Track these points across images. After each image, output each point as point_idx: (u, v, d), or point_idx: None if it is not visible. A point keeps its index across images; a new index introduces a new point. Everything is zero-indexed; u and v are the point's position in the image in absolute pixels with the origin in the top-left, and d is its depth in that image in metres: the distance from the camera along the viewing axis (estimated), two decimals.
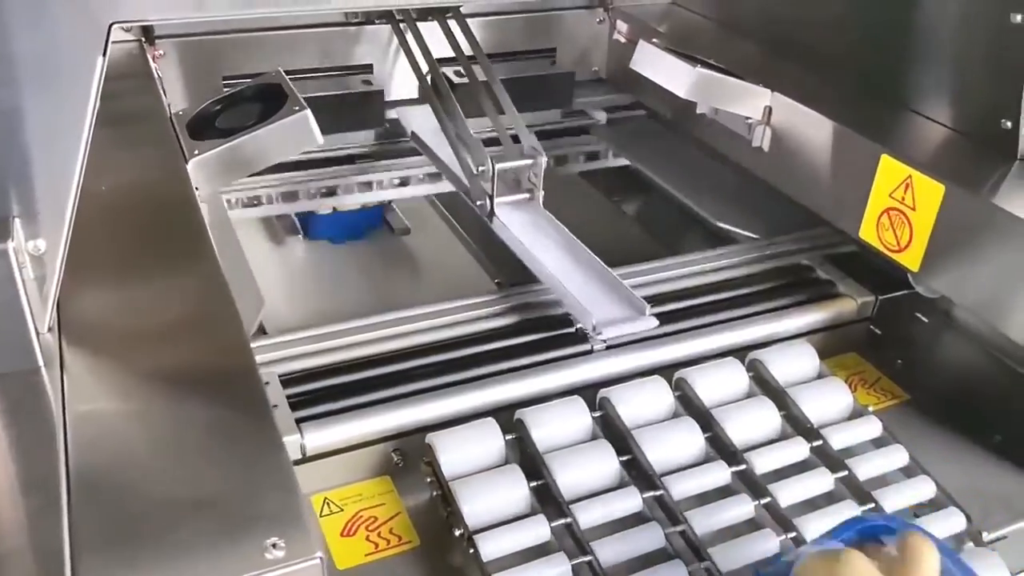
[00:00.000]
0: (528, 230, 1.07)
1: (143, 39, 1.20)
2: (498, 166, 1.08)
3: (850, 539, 0.64)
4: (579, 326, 1.00)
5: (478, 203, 1.12)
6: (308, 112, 0.95)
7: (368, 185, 1.34)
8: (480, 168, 1.10)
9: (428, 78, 1.25)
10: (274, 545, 0.51)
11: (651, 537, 0.78)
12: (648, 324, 0.94)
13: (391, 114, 1.37)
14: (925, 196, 0.97)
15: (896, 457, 0.88)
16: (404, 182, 1.37)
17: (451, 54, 1.27)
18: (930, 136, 1.07)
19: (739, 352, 0.98)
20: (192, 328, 0.71)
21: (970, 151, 1.03)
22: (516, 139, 1.13)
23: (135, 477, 0.56)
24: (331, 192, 1.32)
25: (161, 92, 1.10)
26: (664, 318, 1.01)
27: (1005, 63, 0.97)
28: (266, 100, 1.00)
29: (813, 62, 1.23)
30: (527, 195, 1.11)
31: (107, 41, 0.58)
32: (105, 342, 0.69)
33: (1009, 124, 0.99)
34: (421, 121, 1.29)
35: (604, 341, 0.97)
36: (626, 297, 0.97)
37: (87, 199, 0.80)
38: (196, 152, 0.94)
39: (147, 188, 0.88)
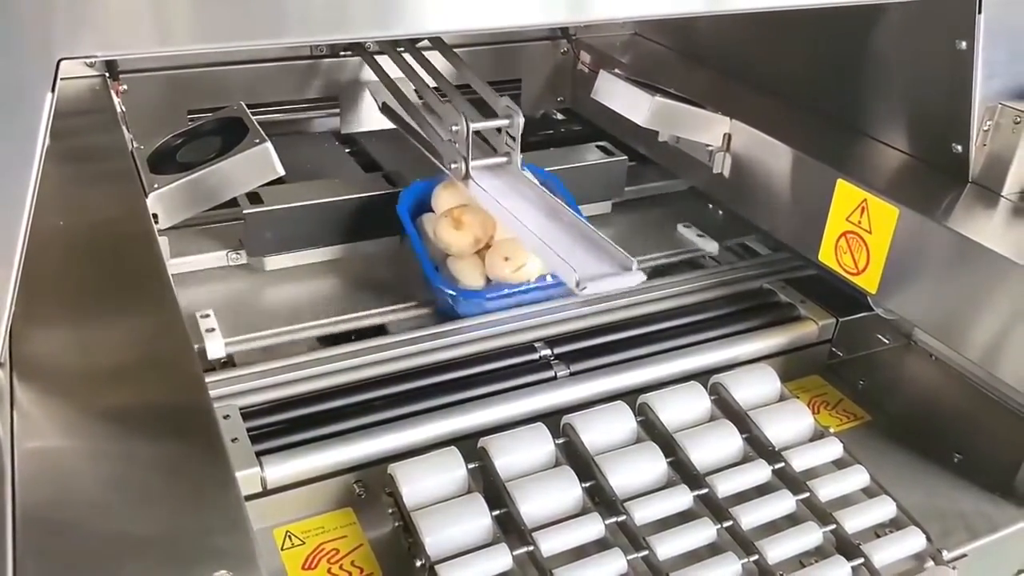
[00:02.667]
0: (506, 192, 1.01)
1: (107, 74, 1.20)
2: (473, 125, 1.02)
3: None
4: (542, 353, 1.00)
5: (452, 166, 1.05)
6: (269, 144, 0.96)
7: None
8: (454, 127, 1.03)
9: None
10: None
11: (613, 564, 0.78)
12: (634, 279, 0.88)
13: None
14: (880, 219, 0.99)
15: (857, 478, 0.89)
16: None
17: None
18: (885, 161, 1.09)
19: (702, 376, 0.99)
20: (147, 365, 0.70)
21: (924, 175, 1.05)
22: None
23: (83, 515, 0.56)
24: None
25: (124, 127, 1.10)
26: (627, 344, 1.02)
27: (953, 89, 0.99)
28: (227, 133, 1.00)
29: (772, 91, 1.26)
30: (504, 159, 1.06)
31: (56, 77, 0.58)
32: (58, 379, 0.68)
33: (960, 148, 1.01)
34: (392, 95, 1.26)
35: (589, 294, 0.90)
36: (610, 253, 0.91)
37: (43, 235, 0.80)
38: (156, 186, 0.94)
39: (105, 224, 0.87)
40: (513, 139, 1.04)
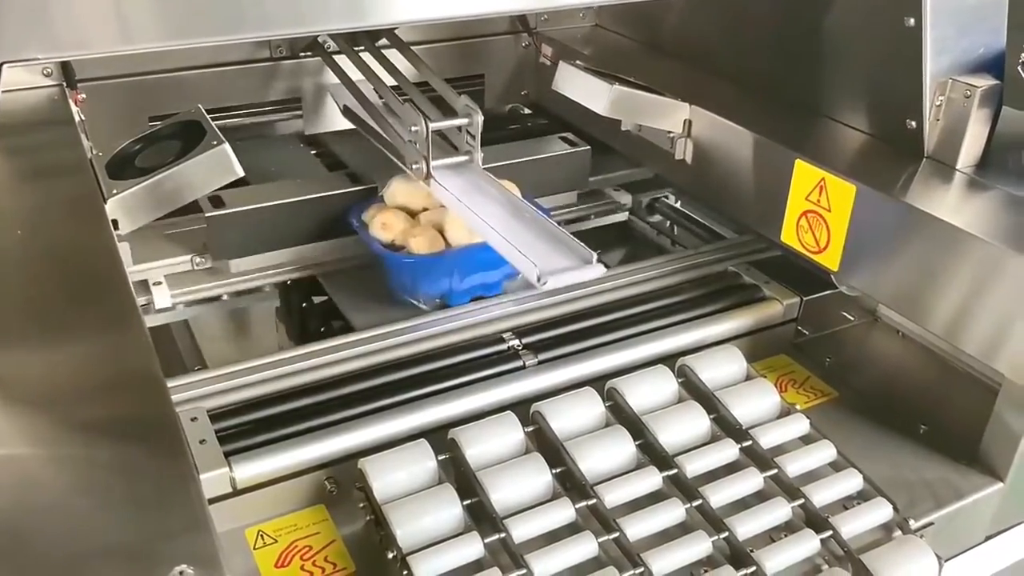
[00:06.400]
0: (467, 191, 1.03)
1: (64, 83, 1.19)
2: (432, 125, 1.03)
3: None
4: (510, 343, 1.01)
5: (414, 167, 1.06)
6: (226, 145, 0.95)
7: None
8: (413, 128, 1.04)
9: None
10: (182, 573, 0.51)
11: (585, 547, 0.79)
12: (594, 272, 0.91)
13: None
14: (839, 197, 1.00)
15: (824, 453, 0.90)
16: None
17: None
18: (842, 140, 1.11)
19: (669, 359, 0.99)
20: (109, 372, 0.69)
21: (880, 152, 1.06)
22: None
23: (39, 522, 0.55)
24: None
25: (83, 136, 1.09)
26: (594, 331, 1.03)
27: (905, 66, 1.01)
28: (186, 137, 1.00)
29: (731, 76, 1.27)
30: (465, 157, 1.07)
31: None
32: (16, 389, 0.67)
33: (914, 124, 1.02)
34: (353, 96, 1.27)
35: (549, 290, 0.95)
36: (571, 247, 0.93)
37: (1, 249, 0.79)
38: (115, 191, 0.93)
39: (64, 233, 0.86)
40: (473, 137, 1.05)
